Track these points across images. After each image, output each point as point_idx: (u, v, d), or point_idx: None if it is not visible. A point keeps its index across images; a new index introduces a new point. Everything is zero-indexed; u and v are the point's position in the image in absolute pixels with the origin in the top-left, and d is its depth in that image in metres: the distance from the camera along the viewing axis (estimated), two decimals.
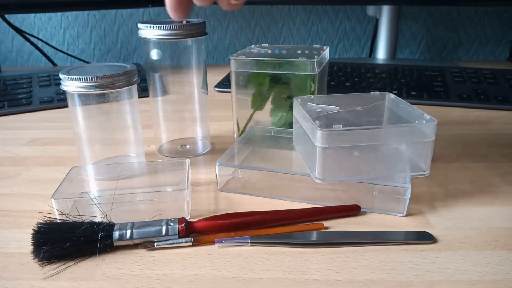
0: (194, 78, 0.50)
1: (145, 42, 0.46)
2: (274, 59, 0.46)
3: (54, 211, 0.36)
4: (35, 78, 0.79)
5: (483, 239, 0.34)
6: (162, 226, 0.34)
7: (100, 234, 0.32)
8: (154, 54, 0.47)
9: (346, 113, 0.43)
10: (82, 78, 0.39)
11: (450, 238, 0.34)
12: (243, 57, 0.47)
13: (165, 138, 0.53)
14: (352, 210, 0.38)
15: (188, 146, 0.53)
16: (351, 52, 1.07)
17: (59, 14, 1.04)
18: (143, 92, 0.60)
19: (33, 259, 0.32)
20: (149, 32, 0.44)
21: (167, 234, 0.33)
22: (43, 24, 1.04)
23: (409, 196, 0.36)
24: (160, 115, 0.51)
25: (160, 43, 0.46)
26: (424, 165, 0.38)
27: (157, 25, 0.43)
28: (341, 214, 0.38)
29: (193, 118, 0.52)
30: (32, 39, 1.00)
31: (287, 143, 0.48)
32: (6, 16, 0.94)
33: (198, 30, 0.45)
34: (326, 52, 0.51)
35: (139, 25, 0.44)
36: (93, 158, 0.45)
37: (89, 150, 0.45)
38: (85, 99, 0.42)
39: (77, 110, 0.43)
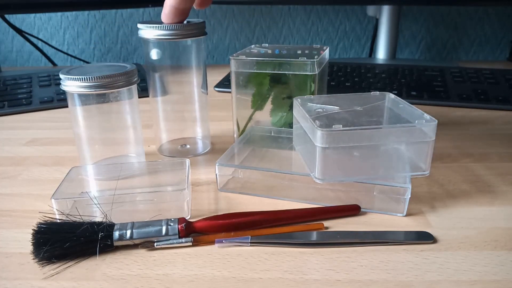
0: (194, 78, 0.50)
1: (145, 42, 0.46)
2: (274, 59, 0.46)
3: (54, 211, 0.36)
4: (35, 78, 0.79)
5: (483, 239, 0.34)
6: (162, 226, 0.34)
7: (100, 234, 0.32)
8: (154, 54, 0.47)
9: (346, 113, 0.43)
10: (82, 78, 0.39)
11: (450, 238, 0.34)
12: (243, 57, 0.47)
13: (165, 138, 0.53)
14: (352, 210, 0.38)
15: (188, 146, 0.53)
16: (351, 52, 1.07)
17: (59, 14, 1.04)
18: (143, 92, 0.60)
19: (33, 259, 0.32)
20: (149, 32, 0.44)
21: (167, 234, 0.33)
22: (43, 24, 1.04)
23: (409, 196, 0.36)
24: (160, 115, 0.51)
25: (160, 43, 0.46)
26: (424, 165, 0.38)
27: (157, 25, 0.43)
28: (341, 214, 0.38)
29: (193, 118, 0.52)
30: (32, 39, 1.00)
31: (287, 143, 0.48)
32: (6, 16, 0.94)
33: (198, 30, 0.45)
34: (326, 52, 0.51)
35: (139, 25, 0.44)
36: (93, 158, 0.45)
37: (89, 150, 0.45)
38: (85, 99, 0.42)
39: (77, 110, 0.43)
